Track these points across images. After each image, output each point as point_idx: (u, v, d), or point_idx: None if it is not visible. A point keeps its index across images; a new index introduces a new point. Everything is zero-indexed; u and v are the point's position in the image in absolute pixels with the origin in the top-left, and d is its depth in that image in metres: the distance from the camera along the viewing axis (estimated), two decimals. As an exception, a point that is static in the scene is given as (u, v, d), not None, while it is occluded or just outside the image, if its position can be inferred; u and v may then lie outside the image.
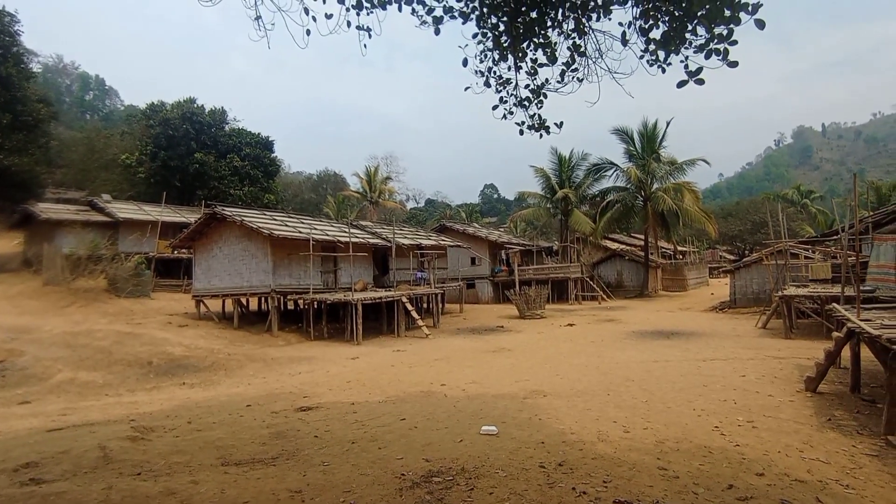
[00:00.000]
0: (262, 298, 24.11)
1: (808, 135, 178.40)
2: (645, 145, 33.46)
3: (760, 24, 4.40)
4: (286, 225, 21.24)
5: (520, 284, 28.80)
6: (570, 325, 19.96)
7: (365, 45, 5.63)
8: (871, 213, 17.58)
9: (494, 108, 6.49)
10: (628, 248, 39.65)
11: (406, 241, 25.37)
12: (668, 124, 33.56)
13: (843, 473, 5.35)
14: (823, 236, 26.50)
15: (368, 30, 5.66)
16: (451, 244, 30.72)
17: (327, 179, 68.96)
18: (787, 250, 19.32)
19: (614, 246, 40.22)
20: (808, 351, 11.71)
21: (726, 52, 4.59)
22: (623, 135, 34.05)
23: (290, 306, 24.28)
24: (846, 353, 8.97)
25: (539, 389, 9.49)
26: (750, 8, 4.33)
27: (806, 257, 21.88)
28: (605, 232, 36.03)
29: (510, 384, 10.09)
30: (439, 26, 5.68)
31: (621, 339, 15.58)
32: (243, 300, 22.84)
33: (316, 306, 19.76)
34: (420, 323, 18.91)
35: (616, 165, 34.99)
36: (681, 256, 46.23)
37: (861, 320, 7.84)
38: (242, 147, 40.11)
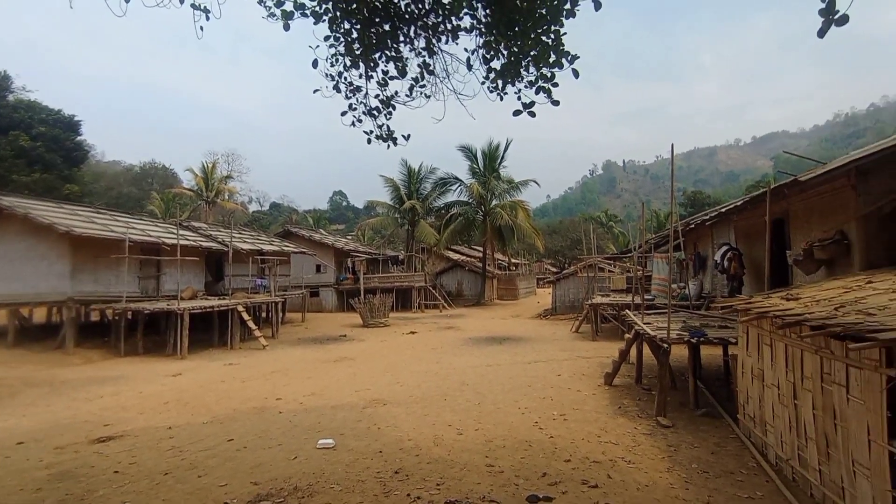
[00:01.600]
0: (55, 309, 20.16)
1: (613, 168, 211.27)
2: (487, 164, 36.02)
3: (576, 73, 5.06)
4: (93, 222, 18.04)
5: (365, 293, 28.62)
6: (413, 332, 20.40)
7: (202, 28, 5.08)
8: (654, 236, 21.37)
9: (343, 114, 6.37)
10: (469, 259, 42.17)
11: (246, 246, 23.46)
12: (507, 146, 36.60)
13: (627, 451, 6.31)
14: (621, 254, 31.50)
15: (206, 11, 5.12)
16: (296, 250, 29.31)
17: (153, 173, 60.49)
18: (595, 265, 22.42)
19: (456, 257, 42.42)
20: (608, 350, 13.66)
21: (550, 91, 5.21)
22: (468, 152, 36.24)
23: (95, 318, 20.62)
24: (635, 351, 10.67)
25: (379, 398, 9.46)
26: (569, 58, 4.99)
27: (609, 271, 25.70)
28: (449, 243, 37.85)
29: (350, 394, 9.88)
30: (289, 22, 5.38)
31: (459, 346, 16.38)
32: (25, 311, 18.78)
33: (130, 317, 17.10)
34: (257, 333, 17.54)
35: (460, 181, 37.06)
36: (514, 268, 50.68)
37: (644, 323, 9.42)
38: (34, 124, 33.17)
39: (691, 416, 7.68)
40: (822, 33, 3.14)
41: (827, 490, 4.67)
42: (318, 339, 18.91)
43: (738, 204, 10.83)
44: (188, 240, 20.72)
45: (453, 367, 12.56)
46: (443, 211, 38.88)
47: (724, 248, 11.54)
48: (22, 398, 10.19)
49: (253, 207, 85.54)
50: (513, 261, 51.67)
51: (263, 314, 23.38)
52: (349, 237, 51.14)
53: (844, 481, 4.39)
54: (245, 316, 17.69)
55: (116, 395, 10.30)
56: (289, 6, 5.27)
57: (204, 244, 21.43)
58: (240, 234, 27.77)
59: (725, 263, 11.14)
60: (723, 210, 12.27)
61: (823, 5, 3.09)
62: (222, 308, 17.39)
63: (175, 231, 19.17)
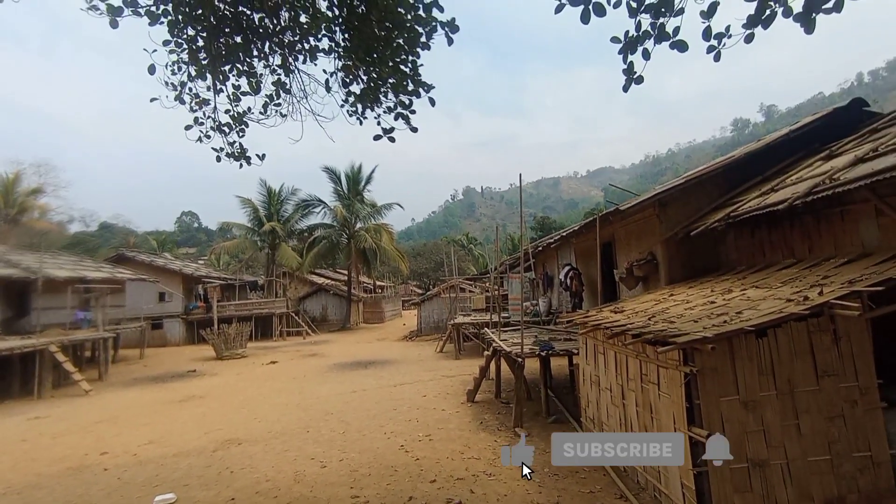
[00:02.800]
0: None
1: (472, 194, 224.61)
2: (351, 186, 35.68)
3: (432, 102, 5.30)
4: None
5: (219, 322, 26.06)
6: (273, 362, 19.06)
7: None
8: (509, 258, 23.04)
9: (188, 128, 5.82)
10: (333, 282, 40.99)
11: (63, 273, 19.83)
12: (372, 171, 36.68)
13: (488, 465, 6.57)
14: (481, 274, 33.36)
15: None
16: (133, 277, 25.62)
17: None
18: (457, 286, 23.37)
19: (320, 280, 40.94)
20: (471, 368, 14.19)
21: (408, 117, 5.37)
22: (332, 174, 35.55)
23: None
24: (493, 367, 11.25)
25: (233, 437, 8.60)
26: (426, 87, 5.22)
27: (470, 291, 26.96)
28: (312, 266, 36.43)
29: (198, 437, 8.82)
30: (117, 19, 4.77)
31: (323, 373, 15.70)
32: None
33: None
34: (77, 377, 14.76)
35: (324, 203, 36.10)
36: (379, 290, 50.46)
37: (501, 340, 10.01)
38: None
39: (544, 424, 8.28)
40: (625, 89, 3.79)
41: (649, 476, 5.36)
42: (160, 378, 16.64)
43: (576, 229, 12.21)
44: (-21, 267, 16.92)
45: (317, 396, 11.96)
46: (306, 234, 37.40)
47: (567, 267, 12.86)
48: None
49: (75, 227, 73.10)
50: (378, 283, 51.46)
51: (87, 353, 19.90)
52: (201, 261, 46.45)
53: (660, 466, 5.08)
54: (61, 357, 14.85)
55: None
56: (116, 1, 4.70)
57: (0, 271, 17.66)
58: (55, 258, 23.49)
59: (568, 282, 12.41)
60: (564, 234, 13.72)
61: (625, 66, 3.74)
62: (26, 350, 14.36)
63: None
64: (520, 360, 8.36)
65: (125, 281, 24.95)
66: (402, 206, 38.31)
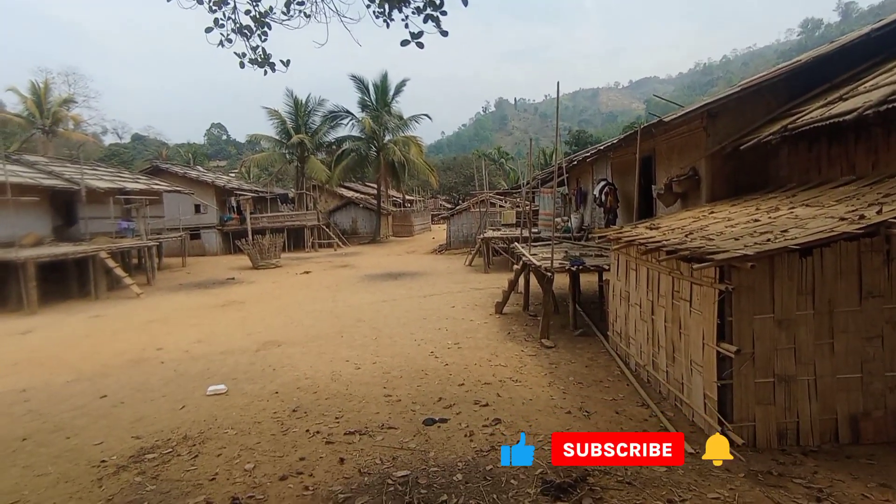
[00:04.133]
0: None
1: (505, 106, 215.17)
2: (379, 97, 34.62)
3: (465, 1, 4.88)
4: None
5: (253, 233, 26.98)
6: (307, 272, 19.88)
7: None
8: (541, 172, 22.50)
9: (208, 30, 5.60)
10: (363, 196, 41.30)
11: (103, 184, 20.54)
12: (402, 82, 35.25)
13: (514, 372, 6.90)
14: (512, 189, 32.93)
15: None
16: (169, 189, 26.39)
17: (-34, 94, 49.47)
18: (487, 200, 23.20)
19: (349, 194, 41.29)
20: (499, 282, 14.48)
21: (438, 20, 4.99)
22: (359, 83, 34.41)
23: None
24: (522, 281, 11.45)
25: (273, 339, 9.23)
26: (457, -17, 4.79)
27: (500, 206, 26.80)
28: (341, 180, 36.55)
29: (242, 338, 9.50)
30: None
31: (355, 283, 16.34)
32: None
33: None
34: (128, 281, 15.83)
35: (351, 114, 35.35)
36: (408, 205, 50.72)
37: (531, 255, 10.07)
38: None
39: (570, 337, 8.54)
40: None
41: (671, 386, 5.55)
42: (203, 284, 17.69)
43: (614, 142, 11.68)
44: (21, 176, 17.60)
45: (349, 304, 12.55)
46: (334, 146, 37.10)
47: (602, 183, 12.50)
48: None
49: (109, 140, 74.50)
50: (407, 197, 51.58)
51: (135, 261, 21.14)
52: (232, 174, 47.07)
53: (684, 378, 5.24)
54: (111, 263, 15.83)
55: (-50, 359, 8.86)
56: None
57: (45, 182, 18.37)
58: (94, 170, 24.21)
59: (603, 197, 12.12)
60: (601, 148, 13.18)
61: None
62: (79, 255, 15.34)
63: (1, 165, 16.07)
64: (549, 274, 8.45)
65: (162, 192, 25.72)
66: (430, 118, 37.21)
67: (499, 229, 21.57)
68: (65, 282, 16.00)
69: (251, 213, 30.57)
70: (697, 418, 4.96)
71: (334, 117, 35.78)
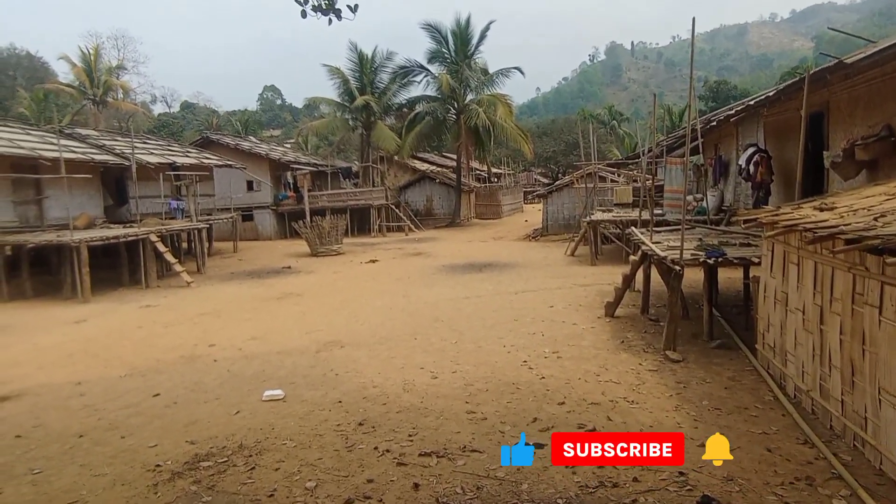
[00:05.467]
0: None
1: (619, 52, 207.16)
2: (458, 47, 34.76)
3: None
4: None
5: (311, 214, 28.37)
6: (373, 261, 20.60)
7: None
8: (667, 137, 21.49)
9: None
10: (439, 169, 41.90)
11: (153, 159, 22.59)
12: (486, 27, 35.15)
13: (630, 390, 6.73)
14: (627, 159, 31.76)
15: None
16: (220, 163, 28.47)
17: (16, 63, 56.18)
18: (596, 173, 22.59)
19: (423, 167, 42.04)
20: (610, 276, 14.12)
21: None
22: (435, 32, 34.75)
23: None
24: (640, 276, 11.07)
25: (335, 339, 9.70)
26: None
27: (612, 181, 26.01)
28: (414, 150, 37.26)
29: (300, 336, 10.09)
30: None
31: (430, 275, 16.69)
32: None
33: (10, 253, 16.62)
34: (178, 268, 17.41)
35: (426, 69, 35.84)
36: (495, 179, 50.68)
37: (653, 243, 9.70)
38: None
39: (704, 349, 8.16)
40: None
41: (848, 421, 5.13)
42: (257, 273, 18.94)
43: (770, 95, 10.87)
44: (75, 152, 19.78)
45: (424, 300, 12.87)
46: (405, 109, 37.89)
47: (751, 149, 11.72)
48: None
49: (158, 109, 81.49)
50: (494, 171, 51.58)
51: (184, 244, 23.08)
52: (288, 145, 49.74)
53: (868, 411, 4.82)
54: (161, 247, 17.43)
55: (5, 347, 10.26)
56: None
57: (97, 157, 20.52)
58: (144, 143, 26.64)
59: (751, 168, 11.37)
60: (751, 103, 12.32)
61: None
62: (130, 238, 17.04)
63: (56, 141, 18.19)
64: (677, 268, 8.10)
65: (212, 167, 27.76)
66: (522, 73, 36.79)
67: (610, 210, 20.98)
68: (115, 267, 17.86)
69: (309, 191, 32.11)
70: (888, 466, 4.56)
71: (405, 74, 36.49)
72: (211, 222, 24.00)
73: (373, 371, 7.88)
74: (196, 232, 20.48)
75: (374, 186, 34.85)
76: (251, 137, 44.47)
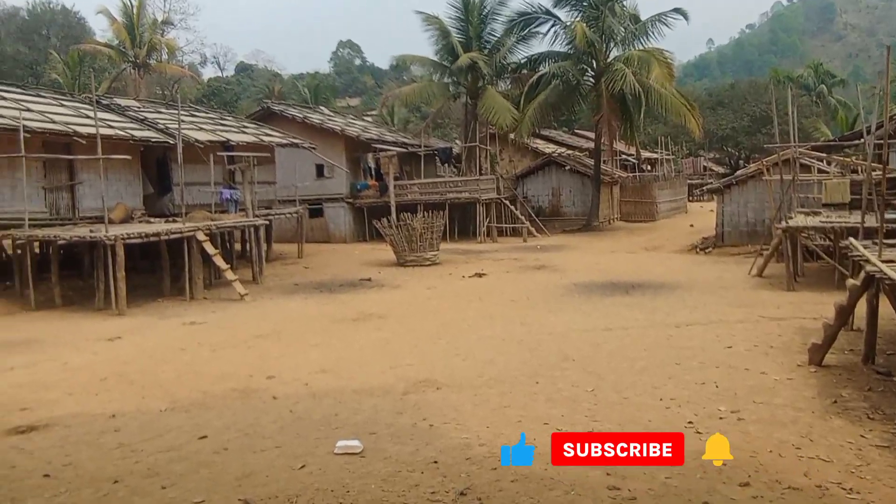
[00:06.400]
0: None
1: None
2: (599, -14, 34.45)
3: None
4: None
5: (398, 210, 29.04)
6: (480, 274, 20.71)
7: None
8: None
9: None
10: (570, 152, 41.59)
11: (203, 136, 24.12)
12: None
13: (847, 473, 6.30)
14: (842, 140, 29.86)
15: None
16: (284, 141, 29.79)
17: (49, 20, 62.20)
18: (795, 160, 21.45)
19: (548, 149, 41.90)
20: (816, 307, 13.33)
21: None
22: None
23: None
24: (862, 309, 10.37)
25: (429, 378, 9.83)
26: None
27: (820, 171, 24.56)
28: (536, 125, 37.14)
29: (382, 371, 10.36)
30: None
31: (558, 297, 16.58)
32: None
33: (38, 250, 18.33)
34: (230, 276, 18.46)
35: (554, 17, 35.79)
36: (648, 168, 49.55)
37: (883, 262, 9.05)
38: None
39: (966, 420, 7.52)
40: None
41: None
42: (327, 285, 19.68)
43: None
44: (112, 127, 21.46)
45: (549, 330, 12.83)
46: (525, 71, 37.92)
47: None
48: None
49: (209, 73, 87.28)
50: (646, 155, 50.34)
51: (238, 245, 24.35)
52: (369, 118, 51.35)
53: None
54: (210, 248, 18.51)
55: (32, 366, 11.32)
56: None
57: (137, 133, 22.13)
58: (192, 116, 28.37)
59: None
60: None
61: None
62: (173, 236, 18.24)
63: (92, 112, 19.86)
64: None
65: (274, 147, 29.07)
66: (687, 18, 35.81)
67: (817, 213, 19.84)
68: (155, 272, 19.22)
69: (396, 179, 32.76)
70: None
71: (525, 23, 36.58)
72: (271, 218, 25.16)
73: (479, 423, 7.89)
74: (253, 230, 21.58)
75: (481, 174, 35.04)
76: (322, 108, 46.28)
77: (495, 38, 37.39)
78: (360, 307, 16.13)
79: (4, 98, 21.17)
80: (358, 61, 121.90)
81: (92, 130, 18.46)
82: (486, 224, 32.67)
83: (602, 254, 25.62)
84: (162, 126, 23.64)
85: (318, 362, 11.08)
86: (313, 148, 31.43)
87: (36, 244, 17.89)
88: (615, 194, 40.28)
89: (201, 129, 25.73)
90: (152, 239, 17.81)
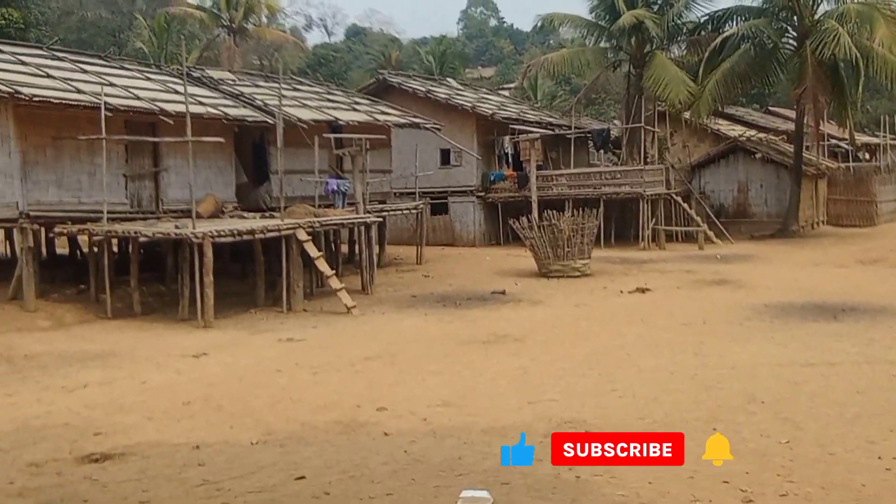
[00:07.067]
0: (3, 231, 23.69)
1: None
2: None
3: None
4: (50, 76, 20.48)
5: (541, 207, 28.89)
6: (643, 289, 20.35)
7: None
8: None
9: None
10: (763, 135, 40.21)
11: (306, 115, 24.81)
12: None
13: None
14: None
15: None
16: (402, 121, 30.17)
17: (135, -21, 65.91)
18: None
19: (735, 130, 40.67)
20: None
21: None
22: None
23: (62, 248, 23.79)
24: None
25: (576, 418, 9.74)
26: None
27: None
28: (719, 101, 36.12)
29: (517, 407, 10.32)
30: None
31: (743, 321, 16.12)
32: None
33: (117, 248, 19.41)
34: (336, 284, 18.84)
35: (746, -39, 34.84)
36: (866, 156, 47.18)
37: None
38: None
39: None
40: None
41: None
42: (451, 299, 19.88)
43: None
44: (203, 104, 22.45)
45: (730, 363, 12.51)
46: (703, 33, 37.03)
47: None
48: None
49: (314, 38, 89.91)
50: (862, 140, 47.91)
51: (345, 246, 24.90)
52: (505, 92, 51.43)
53: None
54: (312, 251, 19.02)
55: (108, 384, 12.03)
56: None
57: (231, 111, 23.06)
58: (294, 90, 29.25)
59: None
60: None
61: None
62: (270, 234, 18.89)
63: (180, 86, 20.77)
64: None
65: (390, 128, 29.56)
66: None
67: None
68: (247, 277, 19.96)
69: (539, 168, 32.65)
70: None
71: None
72: (385, 214, 25.61)
73: (639, 477, 7.75)
74: (363, 229, 22.07)
75: (646, 163, 34.50)
76: (449, 80, 46.68)
77: (666, -9, 36.81)
78: (491, 327, 16.14)
79: (85, 71, 22.62)
80: (493, 22, 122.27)
81: (180, 108, 19.35)
82: (651, 226, 32.11)
83: (802, 267, 24.62)
84: (259, 102, 24.47)
85: (439, 393, 11.14)
86: (438, 129, 31.73)
87: (114, 241, 18.78)
88: (821, 191, 38.62)
89: (305, 105, 26.47)
90: (245, 238, 18.47)
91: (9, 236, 24.10)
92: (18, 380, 12.53)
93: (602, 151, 37.99)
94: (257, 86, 28.05)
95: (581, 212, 25.88)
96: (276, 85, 24.75)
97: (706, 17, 37.00)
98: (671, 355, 13.14)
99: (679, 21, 37.02)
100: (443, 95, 36.26)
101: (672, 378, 11.62)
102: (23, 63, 21.05)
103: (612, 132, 38.32)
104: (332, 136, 24.84)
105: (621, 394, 10.88)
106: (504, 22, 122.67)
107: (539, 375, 12.07)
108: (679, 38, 38.11)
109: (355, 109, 29.50)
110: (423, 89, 36.43)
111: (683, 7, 36.64)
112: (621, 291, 20.40)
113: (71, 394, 11.57)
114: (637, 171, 33.41)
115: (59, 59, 23.51)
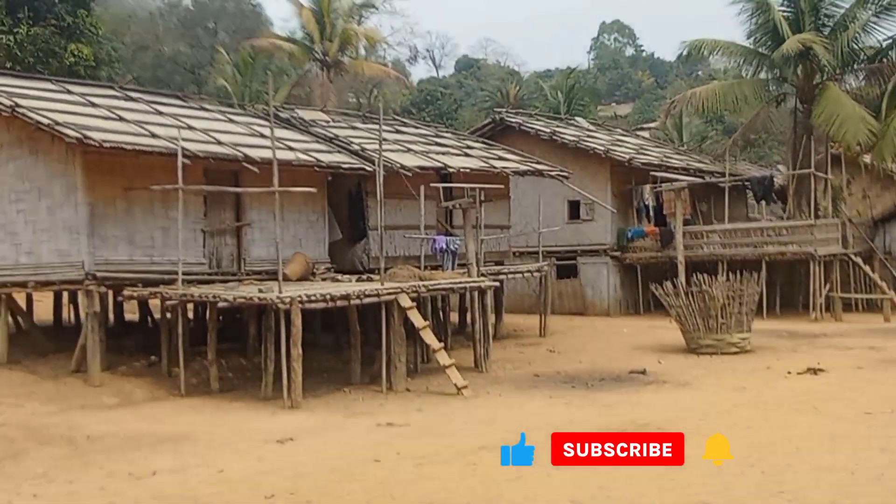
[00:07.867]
0: (67, 294, 24.35)
1: None
2: None
3: None
4: (122, 119, 21.23)
5: (690, 270, 28.57)
6: (815, 370, 19.79)
7: None
8: None
9: None
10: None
11: (410, 161, 25.12)
12: None
13: None
14: None
15: None
16: (523, 168, 30.28)
17: (218, 11, 67.93)
18: None
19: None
20: None
21: None
22: None
23: (132, 313, 24.49)
24: None
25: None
26: None
27: None
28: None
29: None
30: None
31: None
32: (18, 298, 22.97)
33: (193, 314, 19.84)
34: (444, 360, 18.79)
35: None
36: None
37: None
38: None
39: None
40: None
41: None
42: (582, 379, 19.68)
43: None
44: (293, 149, 22.95)
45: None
46: (884, 60, 36.29)
47: None
48: (29, 464, 12.80)
49: (421, 73, 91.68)
50: None
51: (455, 315, 24.94)
52: (646, 133, 51.29)
53: None
54: (417, 319, 19.09)
55: (180, 472, 12.19)
56: None
57: (325, 157, 23.47)
58: (397, 132, 29.71)
59: None
60: None
61: None
62: (368, 299, 19.03)
63: (267, 129, 21.21)
64: None
65: (509, 176, 29.66)
66: None
67: None
68: (340, 350, 20.16)
69: (685, 222, 32.36)
70: None
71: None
72: (503, 278, 25.61)
73: None
74: (477, 294, 22.05)
75: (817, 217, 33.75)
76: (578, 119, 46.90)
77: (841, 11, 36.33)
78: (630, 413, 15.88)
79: (161, 113, 23.52)
80: (630, 51, 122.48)
81: (266, 154, 19.67)
82: (824, 293, 31.32)
83: None
84: (357, 147, 24.87)
85: (564, 492, 10.88)
86: (566, 177, 31.70)
87: (190, 306, 19.15)
88: None
89: (409, 150, 26.87)
90: (339, 303, 18.62)
91: (73, 299, 24.72)
92: (80, 465, 12.82)
93: (763, 203, 37.38)
94: (354, 127, 28.49)
95: (738, 275, 25.47)
96: (376, 126, 24.85)
97: (888, 42, 36.29)
98: (852, 451, 12.65)
99: (856, 46, 36.43)
100: (571, 137, 36.31)
101: (853, 479, 11.16)
102: (93, 105, 21.99)
103: (775, 180, 37.70)
104: (440, 185, 24.98)
105: (790, 498, 10.50)
106: (643, 51, 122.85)
107: (688, 472, 11.75)
108: (856, 67, 37.48)
109: (467, 155, 29.75)
110: (548, 130, 36.56)
111: (861, 30, 36.05)
112: (789, 372, 19.84)
113: (139, 482, 11.77)
114: (806, 227, 32.73)
115: (132, 99, 24.56)
